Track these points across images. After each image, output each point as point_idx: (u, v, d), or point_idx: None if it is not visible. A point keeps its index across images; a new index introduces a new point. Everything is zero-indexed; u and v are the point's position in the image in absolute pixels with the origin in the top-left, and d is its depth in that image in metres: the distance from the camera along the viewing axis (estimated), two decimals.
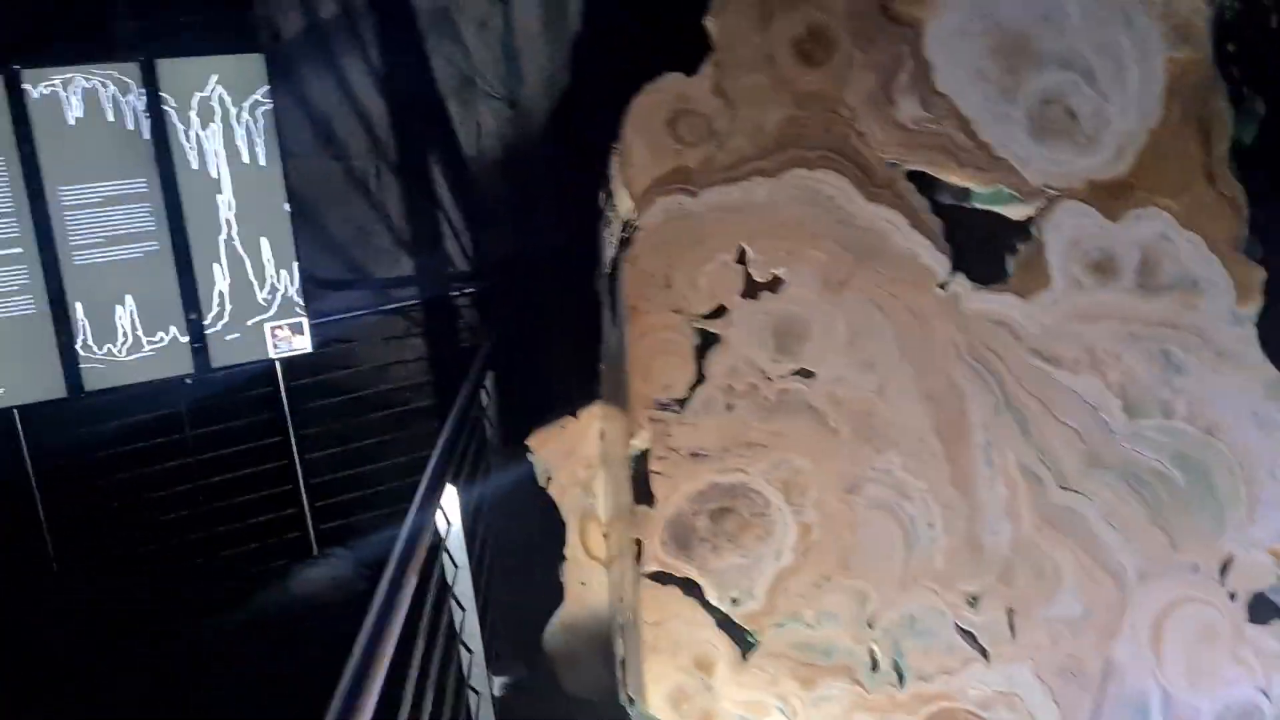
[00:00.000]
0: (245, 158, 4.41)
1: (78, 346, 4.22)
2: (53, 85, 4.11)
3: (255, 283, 4.48)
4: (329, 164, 5.06)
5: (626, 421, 3.07)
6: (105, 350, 4.27)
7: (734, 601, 3.06)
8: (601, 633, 3.57)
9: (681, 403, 3.02)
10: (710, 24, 3.00)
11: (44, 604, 4.31)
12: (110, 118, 4.20)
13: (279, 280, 4.51)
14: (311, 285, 4.72)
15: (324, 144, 5.01)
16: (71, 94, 4.13)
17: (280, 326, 4.54)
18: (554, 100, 5.15)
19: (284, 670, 3.58)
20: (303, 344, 4.59)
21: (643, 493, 3.04)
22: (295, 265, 4.52)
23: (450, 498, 2.67)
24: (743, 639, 3.08)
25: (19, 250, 4.11)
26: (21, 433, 4.26)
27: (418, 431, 5.31)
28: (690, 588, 3.06)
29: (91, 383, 4.25)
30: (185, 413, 4.72)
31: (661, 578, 3.06)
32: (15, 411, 4.21)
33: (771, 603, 3.05)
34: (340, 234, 5.16)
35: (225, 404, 4.78)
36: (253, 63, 4.41)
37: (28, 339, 4.15)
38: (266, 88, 4.41)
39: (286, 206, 4.49)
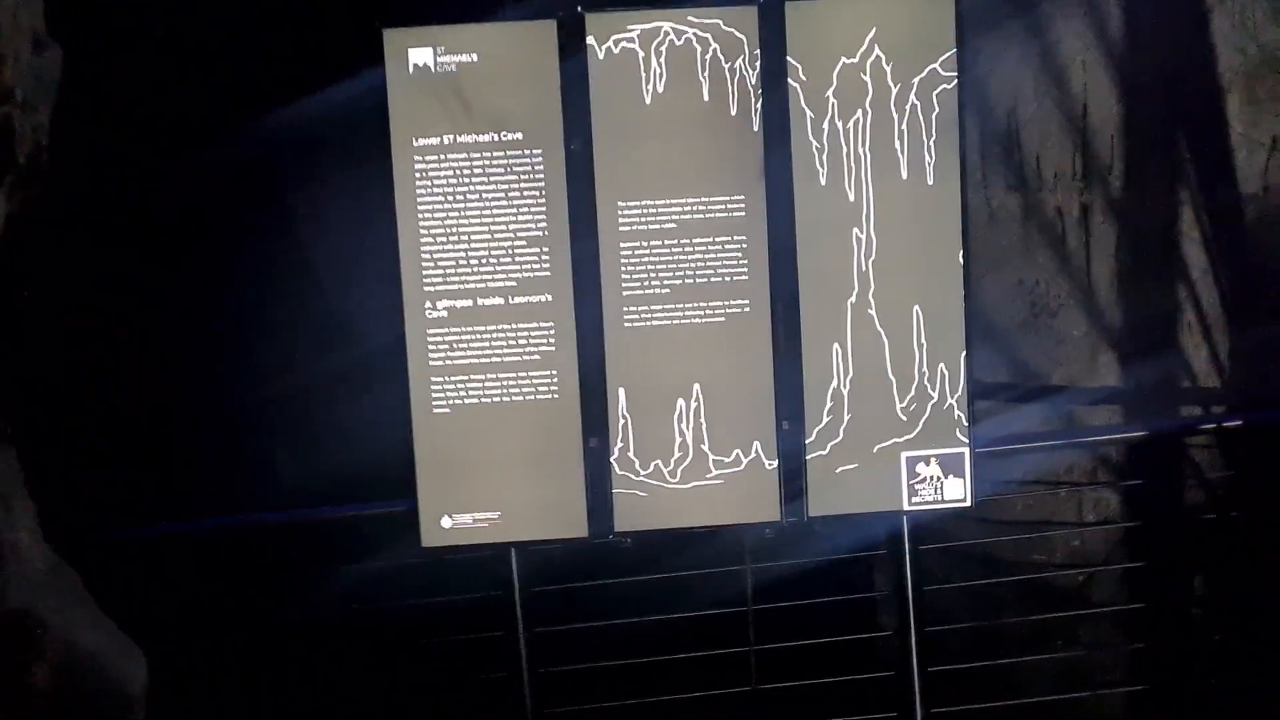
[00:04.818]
0: (904, 171, 2.60)
1: (613, 459, 2.60)
2: (629, 39, 2.55)
3: (894, 381, 2.64)
4: (995, 195, 3.16)
5: None
6: (651, 469, 2.62)
7: None
8: None
9: None
10: None
11: None
12: (705, 95, 2.57)
13: (932, 380, 2.64)
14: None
15: (991, 162, 3.12)
16: (655, 54, 2.55)
17: (925, 459, 2.66)
18: None
19: None
20: (958, 492, 2.67)
21: None
22: (964, 358, 2.63)
23: None
24: None
25: (547, 298, 2.58)
26: (516, 582, 2.73)
27: (1085, 639, 3.22)
28: None
29: (625, 521, 2.62)
30: (750, 573, 2.99)
31: None
32: (513, 551, 2.69)
33: None
34: (999, 308, 3.22)
35: (803, 566, 3.01)
36: (940, 8, 2.60)
37: (544, 439, 2.60)
38: (954, 52, 2.58)
39: (962, 257, 2.62)
